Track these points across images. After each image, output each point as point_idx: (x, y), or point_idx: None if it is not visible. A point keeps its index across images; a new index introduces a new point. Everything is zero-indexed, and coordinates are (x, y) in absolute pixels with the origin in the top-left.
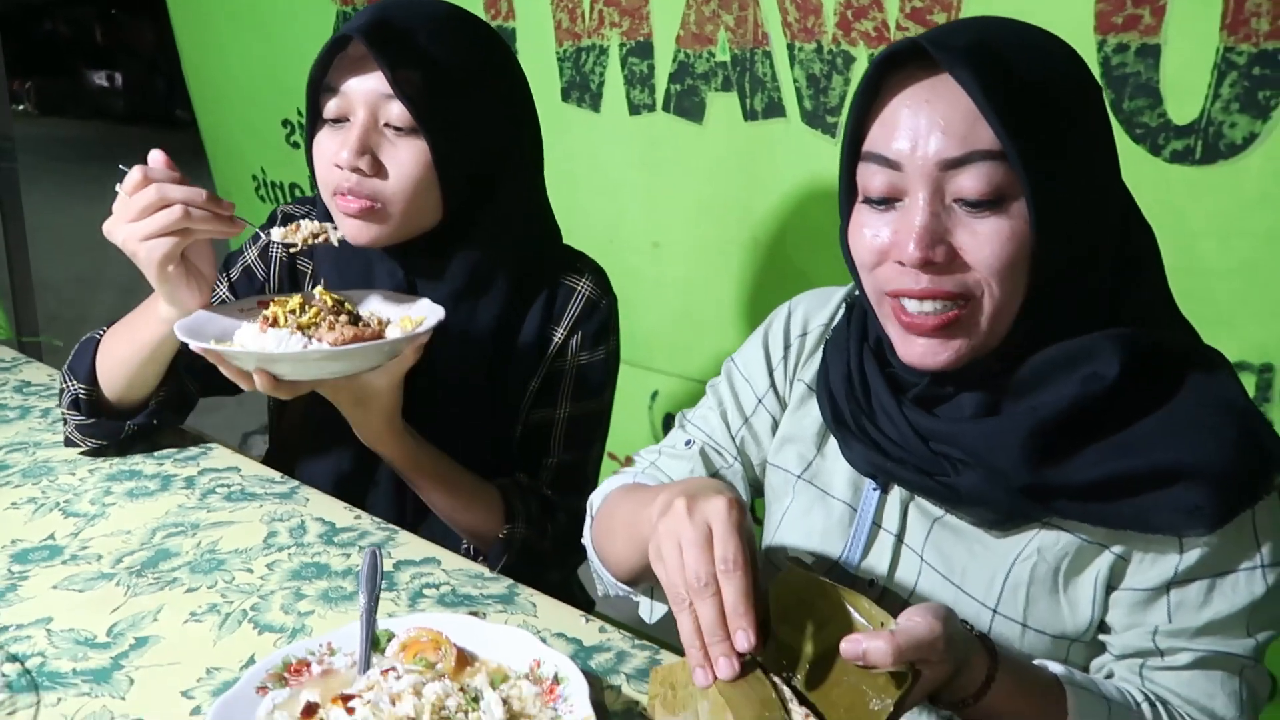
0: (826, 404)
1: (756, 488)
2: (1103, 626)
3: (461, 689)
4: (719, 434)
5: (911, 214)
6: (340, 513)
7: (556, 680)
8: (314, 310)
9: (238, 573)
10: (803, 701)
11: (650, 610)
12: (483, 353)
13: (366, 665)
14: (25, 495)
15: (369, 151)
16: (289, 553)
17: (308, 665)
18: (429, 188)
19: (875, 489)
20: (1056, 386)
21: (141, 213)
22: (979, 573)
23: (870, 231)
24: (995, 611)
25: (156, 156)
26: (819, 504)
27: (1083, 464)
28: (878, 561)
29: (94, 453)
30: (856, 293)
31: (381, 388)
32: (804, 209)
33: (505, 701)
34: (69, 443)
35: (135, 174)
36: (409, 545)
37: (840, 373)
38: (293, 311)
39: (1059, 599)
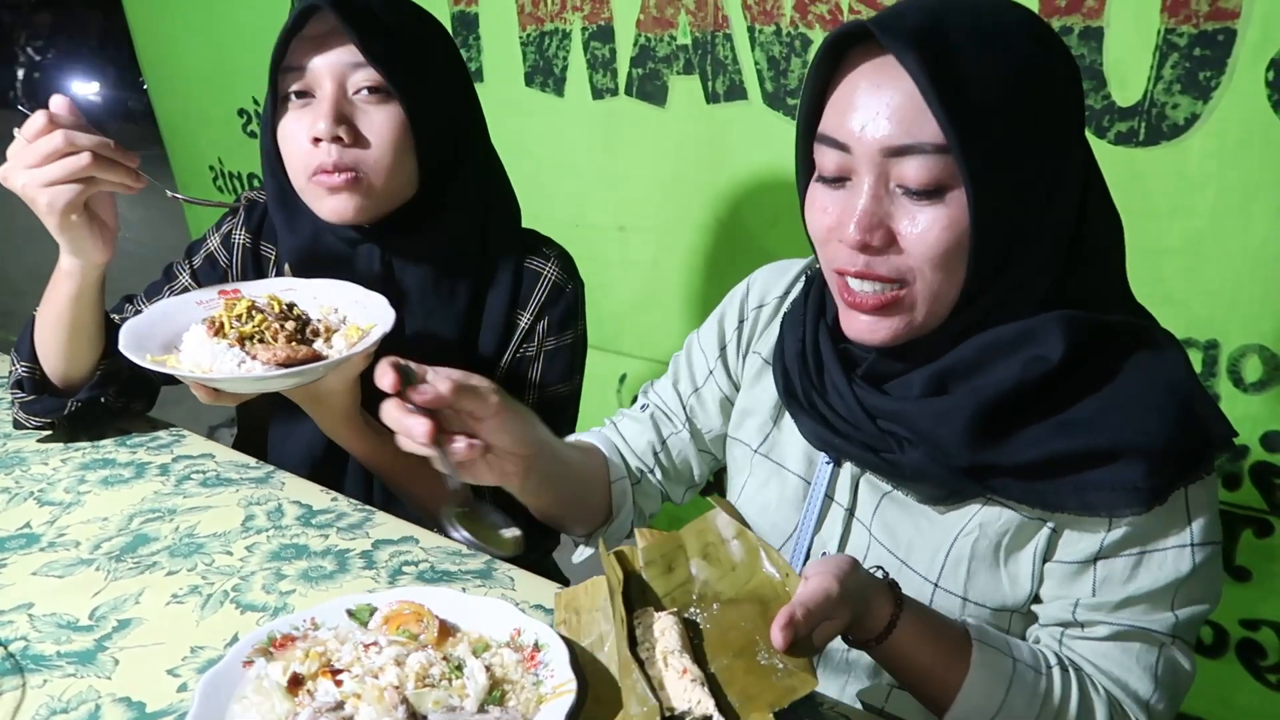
0: (780, 377)
1: (709, 454)
2: (1036, 597)
3: (444, 658)
4: (671, 401)
5: (856, 196)
6: (317, 495)
7: (537, 647)
8: (259, 319)
9: (217, 555)
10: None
11: (578, 552)
12: (453, 337)
13: None
14: None
15: (346, 120)
16: (267, 535)
17: (292, 640)
18: (406, 153)
19: (828, 462)
20: (999, 368)
21: (45, 158)
22: (923, 547)
23: (822, 208)
24: (936, 585)
25: (60, 102)
26: (775, 477)
27: (1023, 444)
28: (830, 535)
29: (63, 440)
30: (817, 266)
31: (335, 389)
32: (767, 190)
33: (488, 669)
34: (17, 425)
35: (39, 119)
36: (386, 525)
37: (794, 348)
38: (238, 318)
39: (999, 573)
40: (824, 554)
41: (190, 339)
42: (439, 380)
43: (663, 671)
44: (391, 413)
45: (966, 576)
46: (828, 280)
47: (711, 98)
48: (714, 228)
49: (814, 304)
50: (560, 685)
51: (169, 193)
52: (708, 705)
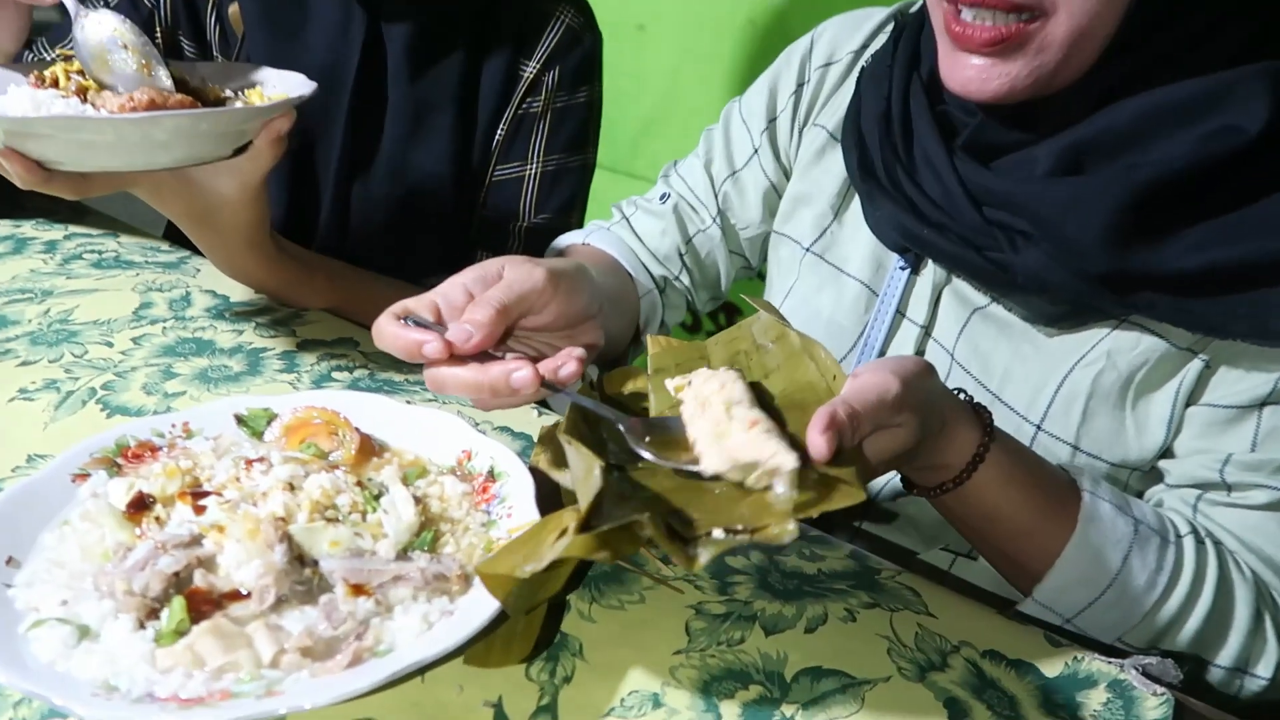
0: (853, 148)
1: (739, 257)
2: (1168, 451)
3: (360, 484)
4: (701, 188)
5: None
6: (239, 288)
7: (492, 476)
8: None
9: (93, 346)
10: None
11: None
12: (445, 104)
13: None
14: None
15: None
16: (163, 326)
17: (153, 450)
18: None
19: (903, 267)
20: (1165, 142)
21: None
22: (1024, 378)
23: None
24: (1039, 428)
25: None
26: (831, 283)
27: (1187, 246)
28: (896, 355)
29: None
30: (912, 10)
31: (229, 196)
32: None
33: (419, 500)
34: None
35: None
36: (321, 323)
37: (875, 109)
38: (80, 73)
39: (1124, 416)
40: None
41: (10, 95)
42: (480, 311)
43: (725, 425)
44: (439, 376)
45: (1081, 419)
46: (930, 11)
47: None
48: (747, 31)
49: (905, 53)
50: (518, 529)
51: None
52: (785, 458)
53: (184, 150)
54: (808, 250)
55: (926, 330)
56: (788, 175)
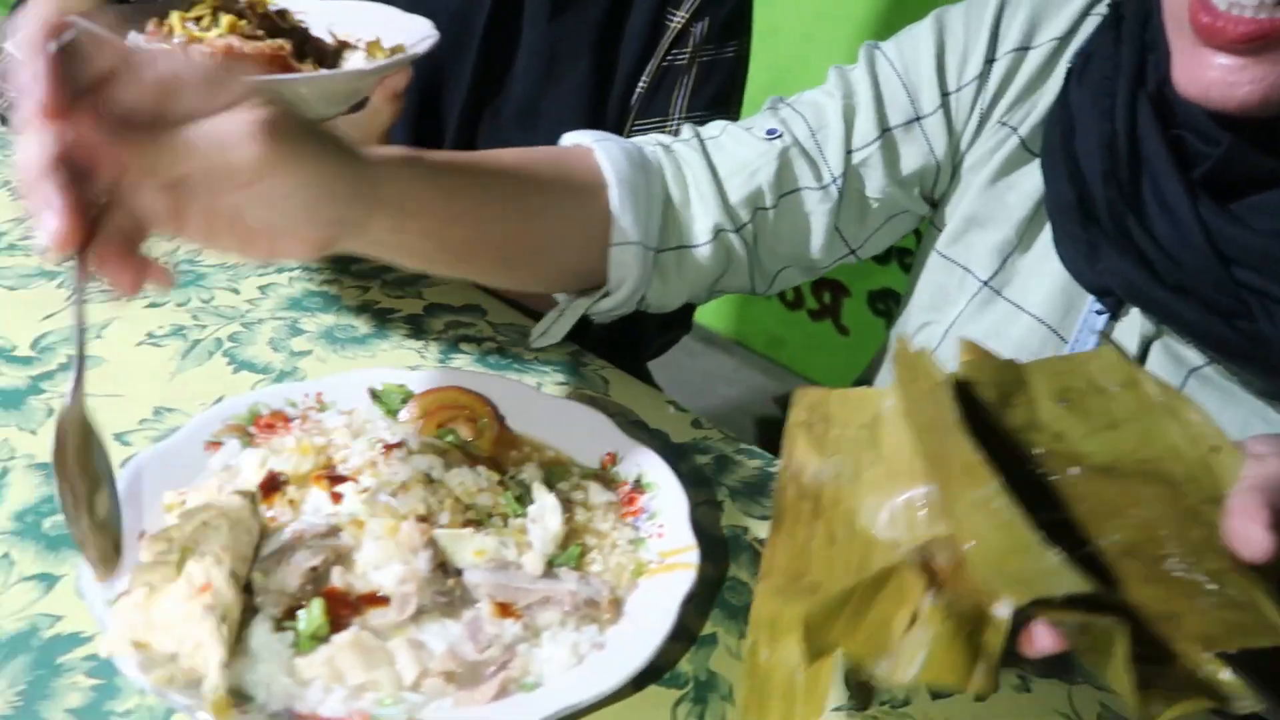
0: (1067, 182)
1: (840, 239)
2: None
3: (501, 482)
4: (832, 135)
5: None
6: None
7: (639, 487)
8: (228, 21)
9: (220, 291)
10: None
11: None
12: (583, 54)
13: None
14: None
15: None
16: (290, 276)
17: (285, 420)
18: None
19: (1100, 312)
20: None
21: None
22: None
23: None
24: None
25: None
26: (1009, 324)
27: None
28: None
29: None
30: None
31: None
32: None
33: (566, 506)
34: (1, 120)
35: None
36: (448, 287)
37: (1097, 133)
38: (196, 20)
39: None
40: None
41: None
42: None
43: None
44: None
45: None
46: (1163, 6)
47: None
48: None
49: (1129, 56)
50: (671, 552)
51: None
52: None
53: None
54: (984, 284)
55: None
56: (954, 161)
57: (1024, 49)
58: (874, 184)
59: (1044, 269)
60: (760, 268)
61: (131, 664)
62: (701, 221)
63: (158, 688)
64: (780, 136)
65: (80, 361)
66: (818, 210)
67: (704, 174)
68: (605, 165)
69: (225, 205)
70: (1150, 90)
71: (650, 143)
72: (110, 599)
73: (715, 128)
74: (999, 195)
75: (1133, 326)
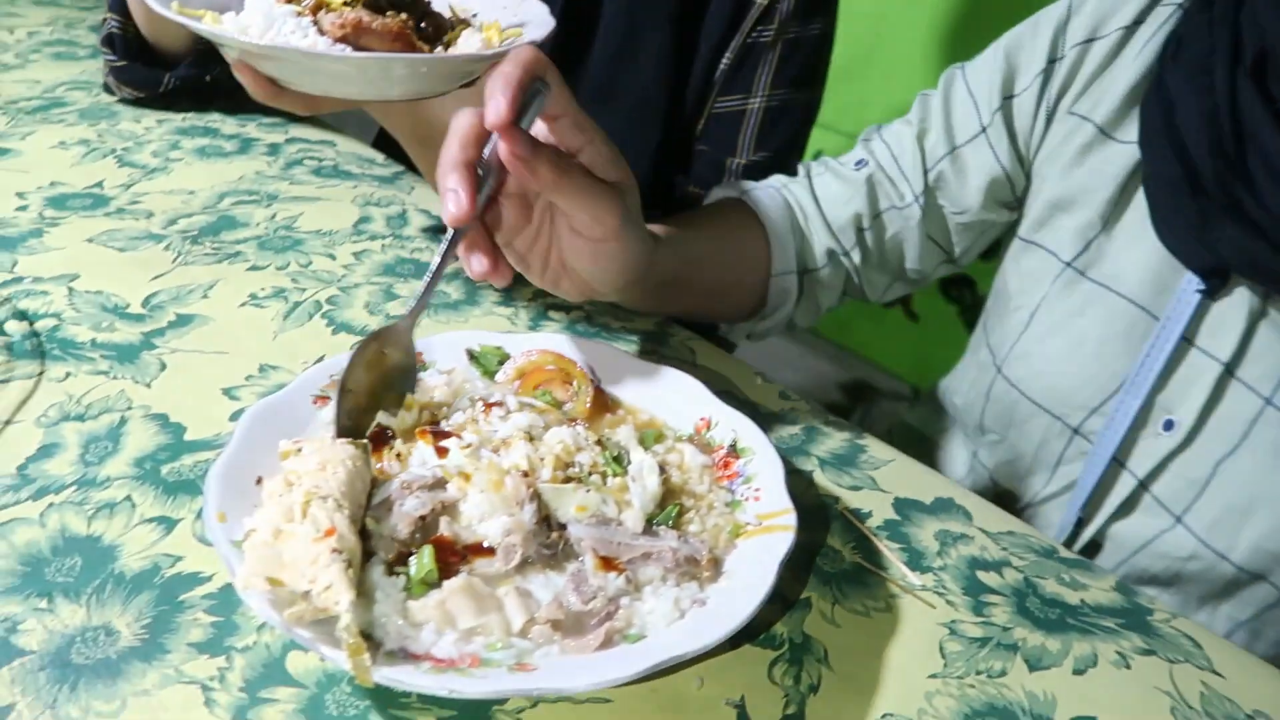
0: (1174, 158)
1: (936, 246)
2: None
3: (599, 443)
4: (908, 160)
5: None
6: None
7: (735, 452)
8: None
9: (317, 257)
10: None
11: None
12: (663, 27)
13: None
14: (77, 136)
15: None
16: (383, 244)
17: None
18: None
19: (1198, 290)
20: None
21: None
22: None
23: None
24: None
25: None
26: (1097, 304)
27: None
28: (1183, 395)
29: (163, 105)
30: None
31: None
32: None
33: (661, 468)
34: (106, 89)
35: None
36: None
37: (1199, 107)
38: None
39: None
40: (1169, 421)
41: (248, 8)
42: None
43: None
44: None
45: None
46: None
47: None
48: None
49: (1224, 36)
50: (769, 515)
51: None
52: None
53: (412, 86)
54: (1067, 265)
55: (1229, 368)
56: (1024, 164)
57: (1089, 40)
58: (954, 196)
59: (1134, 250)
60: (871, 282)
61: (263, 600)
62: (819, 247)
63: (289, 625)
64: (866, 165)
65: (429, 288)
66: (907, 226)
67: (812, 207)
68: (759, 210)
69: (569, 245)
70: (1247, 63)
71: (773, 184)
72: (237, 539)
73: (820, 166)
74: (1080, 181)
75: (1234, 304)
